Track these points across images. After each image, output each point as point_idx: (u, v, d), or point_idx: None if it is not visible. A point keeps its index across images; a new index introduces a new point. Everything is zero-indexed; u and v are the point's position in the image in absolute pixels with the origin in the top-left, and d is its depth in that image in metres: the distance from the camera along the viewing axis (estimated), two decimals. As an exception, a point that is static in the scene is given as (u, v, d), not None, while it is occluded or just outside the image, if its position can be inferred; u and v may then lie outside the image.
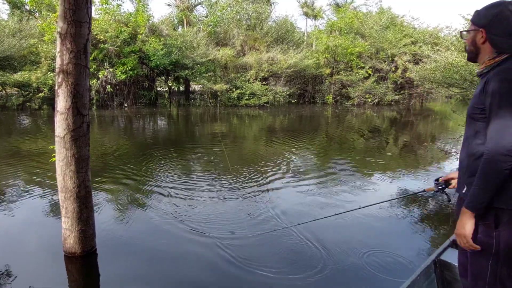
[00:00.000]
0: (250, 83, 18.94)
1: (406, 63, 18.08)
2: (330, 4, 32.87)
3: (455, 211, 1.66)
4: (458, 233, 1.48)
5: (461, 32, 1.61)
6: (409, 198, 4.75)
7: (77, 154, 2.83)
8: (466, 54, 1.61)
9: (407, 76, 15.87)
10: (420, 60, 15.37)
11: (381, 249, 3.30)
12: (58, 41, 2.68)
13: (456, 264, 2.04)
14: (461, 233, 1.46)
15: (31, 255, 3.14)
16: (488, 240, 1.41)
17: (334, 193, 4.93)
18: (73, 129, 2.77)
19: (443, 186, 1.81)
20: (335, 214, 2.26)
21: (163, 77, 19.59)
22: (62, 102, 2.72)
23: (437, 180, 1.86)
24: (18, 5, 21.29)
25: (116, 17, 15.76)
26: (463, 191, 1.51)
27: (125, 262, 3.08)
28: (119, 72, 15.64)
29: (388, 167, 6.53)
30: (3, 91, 17.52)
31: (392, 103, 20.36)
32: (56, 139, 2.81)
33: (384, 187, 5.27)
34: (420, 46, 16.96)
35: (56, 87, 2.75)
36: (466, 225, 1.43)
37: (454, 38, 8.91)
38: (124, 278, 2.86)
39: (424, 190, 1.86)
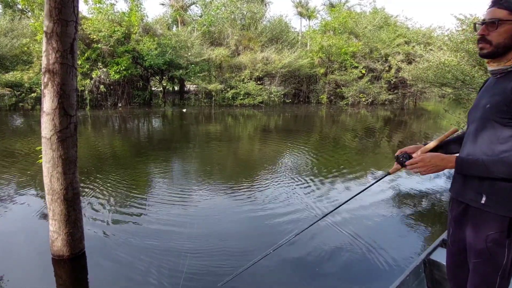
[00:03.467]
0: (245, 83, 18.91)
1: (400, 62, 18.19)
2: (324, 4, 32.99)
3: (456, 217, 1.55)
4: (433, 168, 1.45)
5: (475, 24, 1.45)
6: (402, 198, 4.76)
7: (64, 155, 2.78)
8: (483, 49, 1.40)
9: (400, 75, 15.95)
10: (413, 60, 15.46)
11: (372, 248, 3.30)
12: (44, 40, 2.64)
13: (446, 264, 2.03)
14: (433, 170, 1.46)
15: (18, 258, 3.08)
16: (499, 250, 1.36)
17: (321, 195, 4.93)
18: (60, 129, 2.72)
19: (404, 159, 1.59)
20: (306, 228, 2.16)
21: (157, 77, 19.49)
22: (48, 103, 2.67)
23: (396, 157, 1.66)
24: (10, 4, 21.07)
25: (110, 17, 15.63)
26: (482, 202, 1.39)
27: (115, 265, 3.03)
28: (113, 72, 15.53)
29: (381, 166, 6.54)
30: (-5, 91, 17.35)
31: (386, 102, 20.46)
32: (43, 140, 2.76)
33: (375, 187, 5.28)
34: (413, 46, 17.07)
35: (42, 87, 2.70)
36: (440, 168, 1.45)
37: (447, 38, 8.95)
38: (113, 281, 2.82)
39: (388, 173, 1.76)
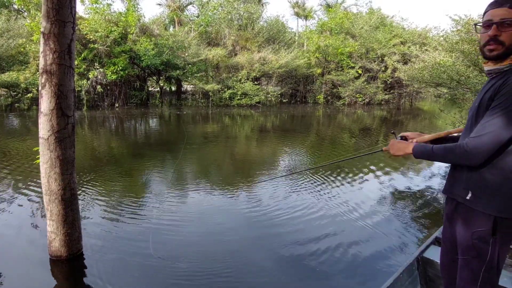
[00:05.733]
0: (242, 83, 18.93)
1: (396, 63, 18.28)
2: (321, 5, 33.07)
3: (448, 214, 1.59)
4: (397, 150, 1.66)
5: (475, 24, 1.45)
6: (396, 196, 4.81)
7: (61, 156, 2.79)
8: (495, 50, 1.36)
9: (396, 76, 16.03)
10: (409, 60, 15.54)
11: (366, 245, 3.34)
12: (42, 41, 2.65)
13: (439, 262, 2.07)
14: (398, 152, 1.66)
15: (15, 259, 3.09)
16: (484, 246, 1.40)
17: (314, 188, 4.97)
18: (58, 130, 2.73)
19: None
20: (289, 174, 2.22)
21: (154, 77, 19.46)
22: (45, 103, 2.68)
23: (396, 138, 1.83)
24: (6, 4, 20.96)
25: (106, 17, 15.58)
26: (468, 197, 1.43)
27: (113, 265, 3.04)
28: (110, 72, 15.49)
29: (378, 165, 6.58)
30: (-9, 91, 17.28)
31: (382, 102, 20.56)
32: (40, 140, 2.77)
33: (371, 187, 5.32)
34: (409, 46, 17.18)
35: (40, 88, 2.71)
36: (400, 152, 1.65)
37: (442, 38, 9.03)
38: (111, 282, 2.82)
39: (381, 150, 1.83)
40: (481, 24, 1.42)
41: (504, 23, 1.32)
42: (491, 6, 1.38)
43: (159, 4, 28.66)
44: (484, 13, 1.43)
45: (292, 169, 6.23)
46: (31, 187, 4.95)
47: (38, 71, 15.30)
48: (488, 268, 1.42)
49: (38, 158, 2.88)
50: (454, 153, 1.39)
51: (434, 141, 1.74)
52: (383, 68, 20.03)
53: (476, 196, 1.41)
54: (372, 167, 6.40)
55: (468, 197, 1.44)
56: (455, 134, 1.74)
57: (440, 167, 6.30)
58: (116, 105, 17.20)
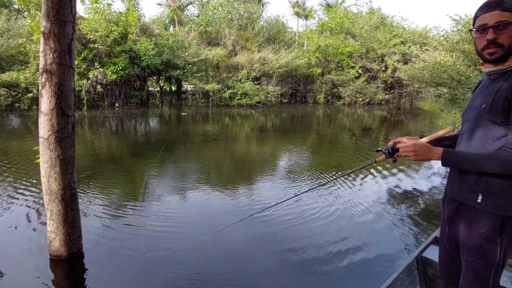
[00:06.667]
0: (242, 83, 18.95)
1: (396, 62, 18.28)
2: (321, 4, 33.07)
3: (449, 215, 1.57)
4: (421, 156, 1.47)
5: (470, 30, 1.45)
6: (396, 196, 4.81)
7: (62, 155, 2.79)
8: (495, 53, 1.37)
9: (396, 75, 16.04)
10: (409, 60, 15.55)
11: (365, 245, 3.34)
12: (42, 41, 2.65)
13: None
14: (421, 158, 1.48)
15: (15, 259, 3.09)
16: (491, 247, 1.38)
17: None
18: (58, 130, 2.73)
19: (390, 151, 1.66)
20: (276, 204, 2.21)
21: (154, 77, 19.47)
22: (45, 103, 2.68)
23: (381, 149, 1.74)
24: (6, 4, 20.96)
25: (107, 17, 15.58)
26: (479, 200, 1.40)
27: (113, 265, 3.05)
28: (110, 72, 15.50)
29: (377, 166, 6.59)
30: (-9, 91, 17.30)
31: (383, 102, 20.56)
32: (40, 140, 2.77)
33: (370, 187, 5.32)
34: (409, 46, 17.20)
35: (40, 88, 2.71)
36: (426, 157, 1.47)
37: (442, 38, 9.03)
38: (111, 281, 2.83)
39: (375, 162, 1.76)
40: (474, 29, 1.42)
41: (500, 25, 1.33)
42: (482, 11, 1.39)
43: (159, 4, 28.69)
44: (476, 17, 1.42)
45: (296, 172, 6.23)
46: (31, 187, 4.95)
47: (38, 70, 15.30)
48: (493, 268, 1.40)
49: (38, 158, 2.89)
50: (503, 163, 1.30)
51: (430, 142, 1.71)
52: (383, 68, 20.04)
53: (487, 198, 1.38)
54: (371, 168, 6.40)
55: (479, 200, 1.41)
56: (452, 134, 1.71)
57: (439, 167, 6.29)
58: (116, 105, 17.21)
